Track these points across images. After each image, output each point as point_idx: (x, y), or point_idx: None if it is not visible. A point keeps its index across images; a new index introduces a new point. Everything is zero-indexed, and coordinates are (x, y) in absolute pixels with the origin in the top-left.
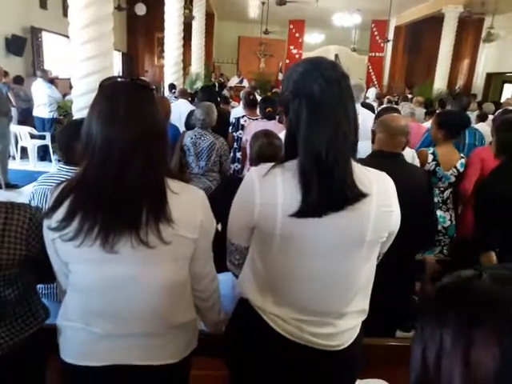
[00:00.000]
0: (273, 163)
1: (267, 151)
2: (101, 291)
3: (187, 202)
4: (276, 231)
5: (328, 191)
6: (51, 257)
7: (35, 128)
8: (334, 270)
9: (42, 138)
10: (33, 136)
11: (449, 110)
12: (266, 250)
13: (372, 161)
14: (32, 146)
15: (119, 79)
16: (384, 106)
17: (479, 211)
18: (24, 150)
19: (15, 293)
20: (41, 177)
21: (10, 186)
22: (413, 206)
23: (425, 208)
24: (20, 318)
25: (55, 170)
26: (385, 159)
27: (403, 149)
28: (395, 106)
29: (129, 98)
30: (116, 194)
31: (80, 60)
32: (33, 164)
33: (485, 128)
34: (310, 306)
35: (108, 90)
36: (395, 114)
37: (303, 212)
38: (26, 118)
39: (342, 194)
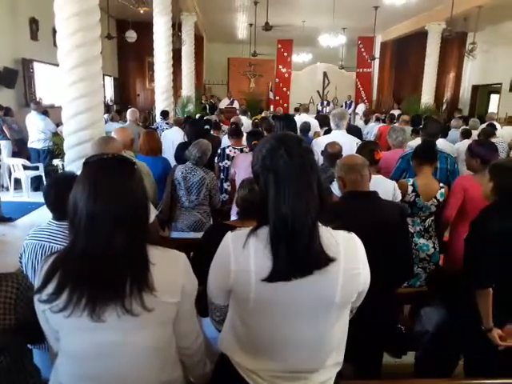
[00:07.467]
0: (248, 230)
1: (251, 200)
2: (90, 357)
3: (168, 268)
4: (250, 295)
5: (295, 257)
6: (43, 324)
7: (30, 159)
8: (306, 331)
9: (36, 168)
10: (26, 167)
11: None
12: (243, 311)
13: (345, 202)
14: (25, 177)
15: (104, 156)
16: (363, 141)
17: (473, 249)
18: (17, 182)
19: (7, 359)
20: (32, 230)
21: (4, 220)
22: (388, 240)
23: (400, 241)
24: None
25: (45, 224)
26: (357, 199)
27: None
28: (374, 141)
29: (110, 175)
30: (102, 266)
31: (68, 84)
32: (26, 195)
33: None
34: (284, 365)
35: (91, 168)
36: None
37: (273, 277)
38: (21, 148)
39: (307, 260)
